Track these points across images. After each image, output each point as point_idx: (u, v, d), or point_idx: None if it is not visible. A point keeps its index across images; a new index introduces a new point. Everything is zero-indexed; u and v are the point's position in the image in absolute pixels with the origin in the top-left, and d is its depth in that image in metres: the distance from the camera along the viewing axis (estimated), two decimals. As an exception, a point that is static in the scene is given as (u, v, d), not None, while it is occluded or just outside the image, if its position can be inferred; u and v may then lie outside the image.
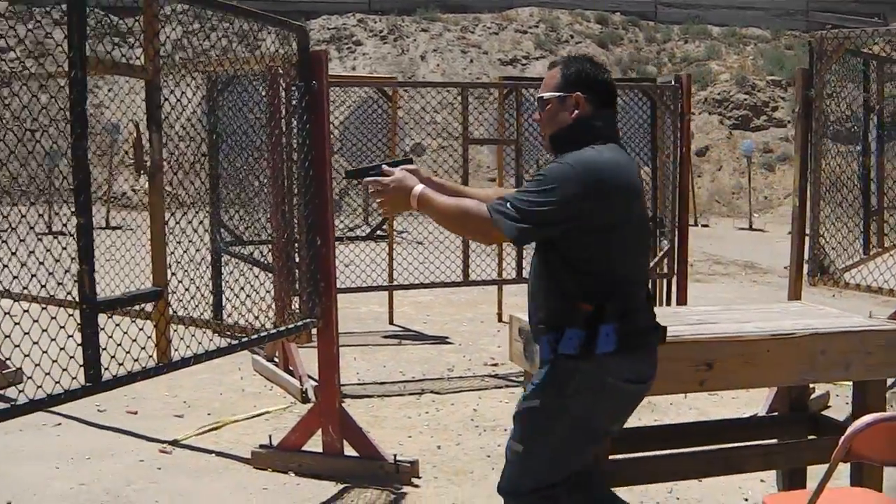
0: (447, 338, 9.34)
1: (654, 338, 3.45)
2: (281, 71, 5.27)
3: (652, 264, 7.61)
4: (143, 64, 3.90)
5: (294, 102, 5.11)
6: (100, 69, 3.67)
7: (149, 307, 4.76)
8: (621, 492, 3.74)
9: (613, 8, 26.67)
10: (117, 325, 3.96)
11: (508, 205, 3.21)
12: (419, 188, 3.46)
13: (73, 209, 3.62)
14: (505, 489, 3.50)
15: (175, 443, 6.03)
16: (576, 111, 3.38)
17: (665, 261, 8.17)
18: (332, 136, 5.61)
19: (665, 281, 8.39)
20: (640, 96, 8.58)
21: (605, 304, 3.25)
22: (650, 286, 3.56)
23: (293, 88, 5.14)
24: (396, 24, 25.03)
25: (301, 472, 5.42)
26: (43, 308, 3.88)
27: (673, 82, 8.15)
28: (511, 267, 8.51)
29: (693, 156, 15.90)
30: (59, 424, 6.34)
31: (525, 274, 8.55)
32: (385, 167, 3.54)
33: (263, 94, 5.84)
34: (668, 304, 8.18)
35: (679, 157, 7.98)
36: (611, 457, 3.98)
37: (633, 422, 3.76)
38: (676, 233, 8.08)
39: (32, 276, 3.90)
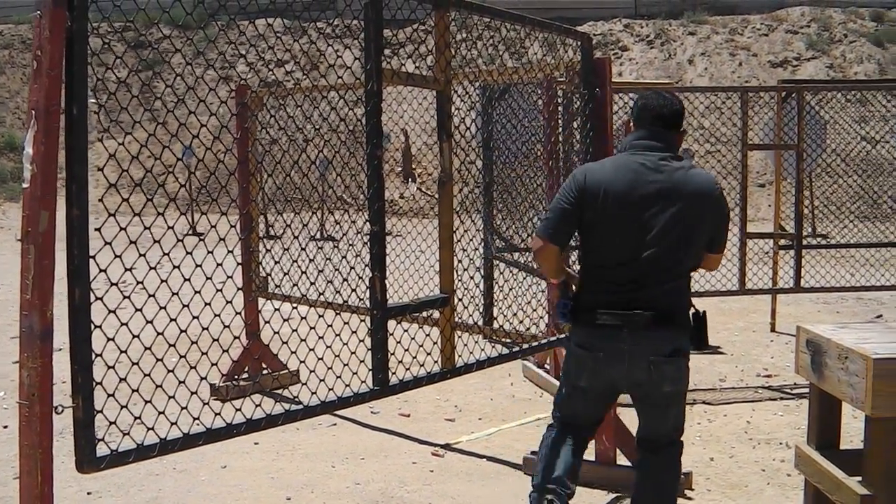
0: (718, 347, 9.13)
1: (611, 316, 3.87)
2: (561, 78, 5.31)
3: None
4: (434, 75, 4.01)
5: (575, 109, 5.17)
6: (394, 81, 3.80)
7: (432, 313, 4.88)
8: None
9: (891, 3, 25.43)
10: (405, 330, 4.08)
11: (545, 212, 3.97)
12: None
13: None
14: None
15: (447, 446, 6.14)
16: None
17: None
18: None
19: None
20: None
21: (564, 282, 4.16)
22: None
23: (576, 95, 5.16)
24: (663, 29, 24.80)
25: (574, 479, 5.44)
26: (320, 316, 4.03)
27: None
28: (789, 276, 8.26)
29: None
30: (335, 424, 6.58)
31: (803, 283, 8.32)
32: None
33: (538, 101, 5.89)
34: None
35: None
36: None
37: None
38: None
39: (311, 283, 4.06)
